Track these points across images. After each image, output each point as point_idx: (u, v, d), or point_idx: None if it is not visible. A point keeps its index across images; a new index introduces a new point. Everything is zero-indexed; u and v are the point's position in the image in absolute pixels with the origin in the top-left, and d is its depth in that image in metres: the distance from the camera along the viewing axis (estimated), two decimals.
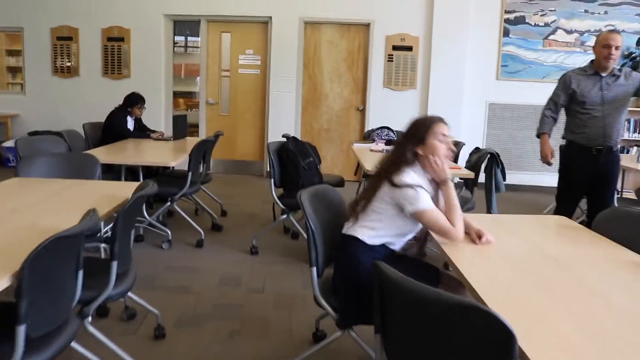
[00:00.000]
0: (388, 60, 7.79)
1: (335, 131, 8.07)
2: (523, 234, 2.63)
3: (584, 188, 4.17)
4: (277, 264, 4.36)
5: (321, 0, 7.72)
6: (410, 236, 2.56)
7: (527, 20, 7.72)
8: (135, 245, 4.41)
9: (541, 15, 7.71)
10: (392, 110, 7.79)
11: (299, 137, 7.85)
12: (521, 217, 3.04)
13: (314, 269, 2.49)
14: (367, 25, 7.79)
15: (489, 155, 4.72)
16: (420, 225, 2.50)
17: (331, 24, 7.86)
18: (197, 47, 8.33)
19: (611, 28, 4.06)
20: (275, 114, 7.93)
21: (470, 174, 4.43)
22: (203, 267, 4.24)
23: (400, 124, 7.11)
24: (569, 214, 3.98)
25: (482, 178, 4.70)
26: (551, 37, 7.74)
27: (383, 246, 2.49)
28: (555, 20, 7.72)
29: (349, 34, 7.89)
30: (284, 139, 4.82)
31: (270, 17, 7.79)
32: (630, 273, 2.11)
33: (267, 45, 7.89)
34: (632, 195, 5.46)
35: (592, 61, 4.13)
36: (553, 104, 4.26)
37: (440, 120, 2.57)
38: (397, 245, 2.54)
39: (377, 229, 2.46)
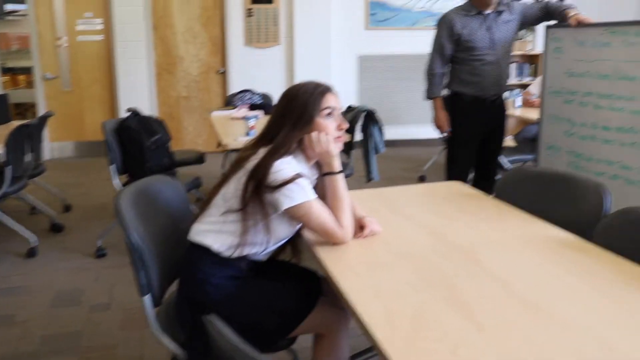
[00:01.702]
0: (248, 16, 7.05)
1: (196, 98, 7.25)
2: (416, 214, 2.12)
3: (476, 145, 3.68)
4: (127, 266, 3.59)
5: None
6: (284, 241, 1.93)
7: None
8: None
9: None
10: (257, 71, 7.11)
11: (155, 108, 7.01)
12: (410, 188, 2.53)
13: (147, 297, 1.82)
14: None
15: (364, 114, 4.22)
16: (298, 226, 1.89)
17: None
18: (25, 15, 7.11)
19: None
20: (126, 84, 6.95)
21: (346, 137, 3.89)
22: (33, 285, 3.41)
23: (266, 85, 6.52)
24: (463, 177, 3.52)
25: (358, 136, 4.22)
26: None
27: (243, 259, 1.85)
28: None
29: None
30: (128, 115, 4.00)
31: None
32: (561, 256, 1.64)
33: (109, 6, 6.85)
34: (512, 142, 5.22)
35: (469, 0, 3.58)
36: (439, 57, 3.60)
37: (327, 90, 1.89)
38: (263, 254, 1.90)
39: (236, 235, 1.79)
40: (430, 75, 3.64)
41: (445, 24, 3.54)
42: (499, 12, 3.52)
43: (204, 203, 1.90)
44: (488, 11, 3.50)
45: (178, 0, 7.00)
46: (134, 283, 1.84)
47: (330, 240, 1.80)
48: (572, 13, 3.36)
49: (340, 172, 1.87)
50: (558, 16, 3.48)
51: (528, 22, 3.63)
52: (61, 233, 4.31)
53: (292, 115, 1.84)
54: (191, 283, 1.85)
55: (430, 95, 3.67)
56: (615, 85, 3.14)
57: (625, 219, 1.83)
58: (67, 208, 4.88)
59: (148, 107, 6.89)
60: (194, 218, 1.92)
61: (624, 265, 1.63)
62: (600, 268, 1.61)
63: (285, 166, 1.74)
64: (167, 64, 7.11)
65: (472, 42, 3.49)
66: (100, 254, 3.83)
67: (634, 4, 7.74)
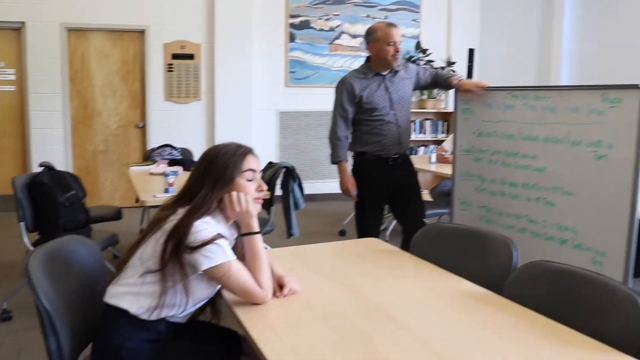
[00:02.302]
0: (168, 71, 7.04)
1: (114, 152, 7.09)
2: (335, 271, 2.15)
3: (383, 203, 3.72)
4: (36, 329, 3.40)
5: (86, 4, 6.71)
6: (204, 302, 1.89)
7: (312, 25, 7.52)
8: None
9: (326, 20, 7.56)
10: (177, 126, 7.07)
11: (71, 162, 6.80)
12: (328, 245, 2.57)
13: None
14: (141, 32, 6.96)
15: (284, 170, 4.26)
16: (217, 287, 1.86)
17: (100, 31, 6.88)
18: None
19: (387, 22, 3.56)
20: (39, 137, 6.72)
21: (266, 194, 3.91)
22: None
23: (186, 140, 6.48)
24: (374, 232, 3.55)
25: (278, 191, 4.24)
26: (337, 41, 7.64)
27: (162, 321, 1.80)
28: (339, 25, 7.63)
29: (122, 42, 6.99)
30: (41, 170, 3.85)
31: (24, 23, 6.58)
32: (474, 310, 1.70)
33: (22, 57, 6.67)
34: (428, 197, 5.41)
35: (368, 60, 3.63)
36: (343, 121, 3.58)
37: (248, 151, 1.92)
38: (182, 315, 1.85)
39: (154, 297, 1.74)
40: (335, 139, 3.61)
41: (345, 88, 3.54)
42: (396, 72, 3.59)
43: (119, 264, 1.85)
44: (385, 72, 3.56)
45: (96, 54, 6.92)
46: (44, 349, 1.75)
47: (250, 301, 1.79)
48: (455, 80, 3.61)
49: (259, 232, 1.88)
50: (443, 83, 3.74)
51: (420, 86, 3.80)
52: None
53: (212, 175, 1.84)
54: (106, 348, 1.78)
55: (335, 159, 3.63)
56: (520, 144, 3.35)
57: (531, 272, 1.93)
58: None
59: (63, 161, 6.67)
60: (109, 279, 1.87)
61: (533, 317, 1.71)
62: (510, 321, 1.69)
63: (205, 226, 1.74)
64: (84, 117, 6.95)
65: (373, 103, 3.52)
66: (5, 317, 3.60)
67: (533, 69, 8.33)
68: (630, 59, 6.94)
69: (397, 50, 3.47)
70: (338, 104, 3.59)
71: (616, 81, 3.09)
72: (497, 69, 8.26)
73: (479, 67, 7.94)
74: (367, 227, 3.62)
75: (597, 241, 2.94)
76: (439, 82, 3.75)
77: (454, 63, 7.88)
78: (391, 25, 3.52)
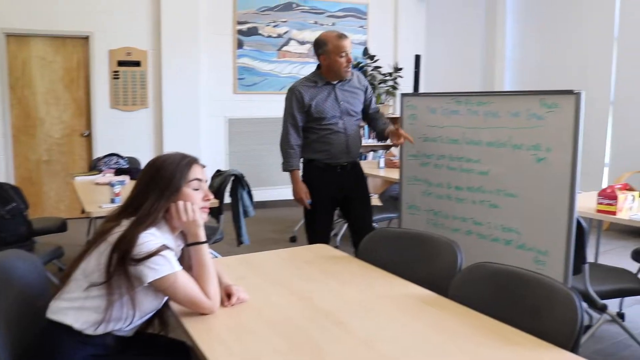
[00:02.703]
0: (114, 78, 6.91)
1: (58, 162, 6.90)
2: (283, 279, 2.15)
3: (333, 209, 3.72)
4: None
5: (26, 9, 6.52)
6: (151, 314, 1.87)
7: (260, 32, 7.51)
8: None
9: (274, 27, 7.57)
10: (123, 134, 6.93)
11: (12, 172, 6.58)
12: (277, 252, 2.56)
13: None
14: (85, 39, 6.81)
15: (233, 178, 4.24)
16: (164, 299, 1.84)
17: (42, 37, 6.70)
18: None
19: (337, 32, 3.56)
20: None
21: (214, 202, 3.88)
22: None
23: (133, 149, 6.36)
24: (324, 238, 3.52)
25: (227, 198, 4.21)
26: (285, 48, 7.66)
27: (108, 335, 1.76)
28: (287, 32, 7.64)
29: (65, 48, 6.82)
30: None
31: None
32: (421, 313, 1.74)
33: None
34: (378, 201, 5.47)
35: (318, 68, 3.61)
36: (294, 129, 3.57)
37: (194, 161, 1.91)
38: (129, 329, 1.83)
39: (100, 311, 1.71)
40: (286, 147, 3.60)
41: (294, 96, 3.54)
42: (348, 80, 3.59)
43: (63, 277, 1.81)
44: (335, 82, 3.56)
45: (39, 60, 6.73)
46: None
47: (198, 311, 1.78)
48: (390, 127, 3.66)
49: (205, 242, 1.87)
50: (380, 131, 3.78)
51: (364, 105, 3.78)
52: None
53: (158, 185, 1.82)
54: None
55: (287, 167, 3.61)
56: (464, 149, 3.44)
57: (474, 274, 1.98)
58: None
59: (4, 171, 6.46)
60: (52, 294, 1.82)
61: (476, 317, 1.76)
62: (455, 322, 1.73)
63: (150, 238, 1.72)
64: (25, 127, 6.74)
65: (322, 112, 3.52)
66: None
67: (478, 75, 8.56)
68: (567, 64, 7.23)
69: (348, 61, 3.47)
70: (288, 112, 3.58)
71: (556, 86, 3.19)
72: (443, 75, 8.44)
73: (425, 73, 8.09)
74: (316, 233, 3.62)
75: (539, 241, 3.03)
76: (377, 126, 3.81)
77: (401, 69, 8.01)
78: (341, 36, 3.48)
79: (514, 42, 8.31)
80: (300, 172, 3.66)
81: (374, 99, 3.84)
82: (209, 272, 1.82)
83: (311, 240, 3.58)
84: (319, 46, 3.52)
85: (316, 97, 3.53)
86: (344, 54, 3.45)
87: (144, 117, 7.09)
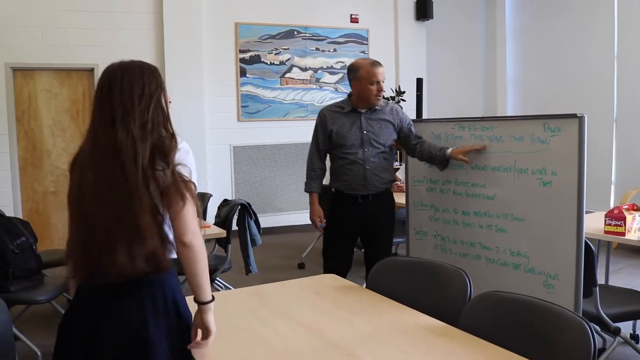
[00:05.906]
0: None
1: (65, 193, 6.85)
2: (292, 310, 2.16)
3: (352, 239, 3.62)
4: None
5: (32, 43, 6.61)
6: None
7: (262, 60, 7.58)
8: None
9: (276, 54, 7.63)
10: None
11: (19, 204, 6.61)
12: (286, 284, 2.57)
13: None
14: (90, 70, 6.89)
15: (239, 207, 4.26)
16: None
17: (47, 70, 6.77)
18: None
19: (372, 59, 3.54)
20: None
21: (222, 232, 3.90)
22: None
23: None
24: (338, 270, 3.25)
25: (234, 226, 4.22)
26: (287, 75, 7.71)
27: None
28: (289, 59, 7.71)
29: (70, 80, 6.89)
30: None
31: None
32: (430, 344, 1.73)
33: None
34: None
35: (349, 96, 3.51)
36: (316, 149, 3.56)
37: None
38: None
39: None
40: (308, 169, 3.61)
41: (320, 119, 3.55)
42: (374, 110, 3.49)
43: None
44: (364, 110, 3.48)
45: (45, 93, 6.80)
46: None
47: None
48: (449, 151, 3.41)
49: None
50: (439, 159, 3.48)
51: (400, 137, 3.63)
52: None
53: None
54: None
55: (307, 189, 3.63)
56: (470, 173, 3.44)
57: (484, 303, 1.97)
58: None
59: (11, 204, 6.49)
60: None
61: (487, 347, 1.75)
62: (465, 353, 1.72)
63: None
64: (32, 158, 6.78)
65: (342, 139, 3.46)
66: None
67: (480, 98, 8.61)
68: (569, 83, 7.26)
69: (380, 90, 3.40)
70: (314, 134, 3.61)
71: (559, 105, 3.20)
72: (445, 96, 8.49)
73: (428, 96, 8.14)
74: (329, 261, 3.59)
75: (548, 265, 3.02)
76: (433, 155, 3.51)
77: (403, 92, 8.05)
78: (375, 63, 3.43)
79: (515, 62, 8.38)
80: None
81: (413, 130, 3.63)
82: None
83: (325, 267, 3.56)
84: (351, 72, 3.48)
85: (340, 123, 3.49)
86: (375, 82, 3.37)
87: None
